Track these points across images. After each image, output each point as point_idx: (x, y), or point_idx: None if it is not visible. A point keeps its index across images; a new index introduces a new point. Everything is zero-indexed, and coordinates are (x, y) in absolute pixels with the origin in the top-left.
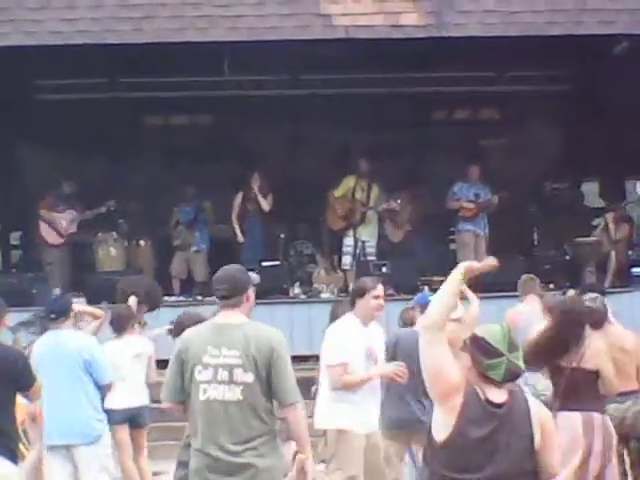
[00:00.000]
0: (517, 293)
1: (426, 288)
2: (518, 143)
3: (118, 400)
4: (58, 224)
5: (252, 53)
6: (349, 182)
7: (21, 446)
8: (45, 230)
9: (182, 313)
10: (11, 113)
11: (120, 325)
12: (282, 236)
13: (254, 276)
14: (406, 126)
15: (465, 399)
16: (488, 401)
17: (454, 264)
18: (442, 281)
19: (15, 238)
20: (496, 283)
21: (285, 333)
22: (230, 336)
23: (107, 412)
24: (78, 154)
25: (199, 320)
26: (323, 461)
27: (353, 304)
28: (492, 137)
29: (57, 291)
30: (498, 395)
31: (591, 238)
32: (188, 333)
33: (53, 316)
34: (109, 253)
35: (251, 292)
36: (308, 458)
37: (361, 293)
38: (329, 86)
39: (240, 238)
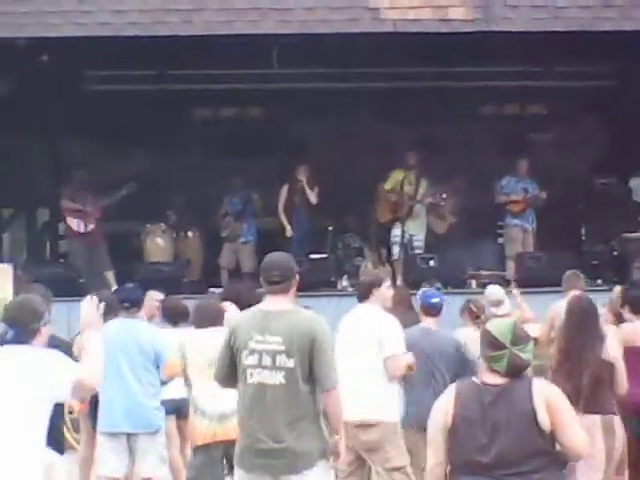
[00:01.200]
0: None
1: (473, 282)
2: (566, 138)
3: (165, 391)
4: (81, 210)
5: (301, 46)
6: (398, 175)
7: (68, 435)
8: (70, 221)
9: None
10: (59, 103)
11: (171, 316)
12: (330, 229)
13: None
14: (454, 120)
15: (457, 386)
16: (484, 382)
17: (502, 258)
18: (489, 275)
19: (63, 228)
20: (543, 278)
21: (332, 326)
22: (274, 323)
23: None
24: (125, 146)
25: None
26: None
27: (367, 295)
28: (540, 132)
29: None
30: (498, 380)
31: (639, 234)
32: (238, 318)
33: (127, 305)
34: (157, 244)
35: (296, 280)
36: (342, 439)
37: (378, 283)
38: (377, 79)
39: (288, 231)
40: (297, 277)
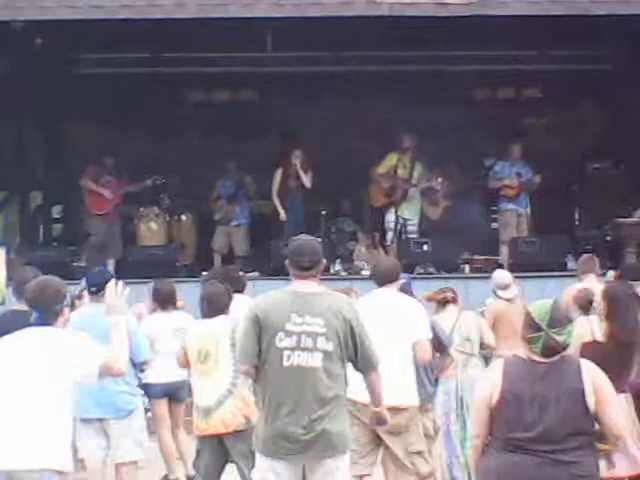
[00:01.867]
0: (558, 273)
1: (467, 267)
2: (560, 122)
3: (157, 374)
4: (102, 195)
5: (295, 29)
6: (391, 159)
7: None
8: (90, 201)
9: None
10: (53, 86)
11: (161, 300)
12: (323, 213)
13: None
14: (448, 104)
15: (505, 361)
16: (532, 360)
17: (496, 243)
18: (483, 260)
19: (57, 212)
20: (537, 263)
21: None
22: (313, 304)
23: (146, 386)
24: (119, 128)
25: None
26: None
27: (391, 280)
28: (534, 116)
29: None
30: (546, 359)
31: (633, 219)
32: (263, 300)
33: (93, 289)
34: (150, 228)
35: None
36: (384, 408)
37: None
38: (372, 63)
39: (282, 215)
40: (324, 261)
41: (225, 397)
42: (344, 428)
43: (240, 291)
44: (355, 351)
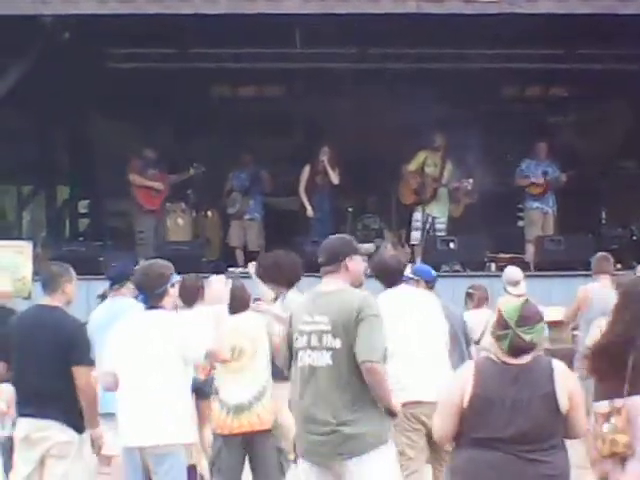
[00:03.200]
0: (583, 272)
1: (492, 265)
2: (587, 121)
3: None
4: (152, 188)
5: (324, 26)
6: (421, 157)
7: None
8: (140, 196)
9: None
10: (82, 80)
11: (187, 296)
12: (350, 210)
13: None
14: (475, 102)
15: (476, 363)
16: (504, 362)
17: (522, 241)
18: (509, 258)
19: (83, 206)
20: (563, 261)
21: None
22: (321, 303)
23: None
24: (145, 123)
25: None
26: None
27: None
28: (561, 115)
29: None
30: (516, 360)
31: None
32: (297, 303)
33: (110, 283)
34: (177, 223)
35: (351, 261)
36: (395, 402)
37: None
38: (399, 60)
39: (309, 212)
40: (351, 258)
41: (261, 394)
42: (366, 431)
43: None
44: (355, 342)
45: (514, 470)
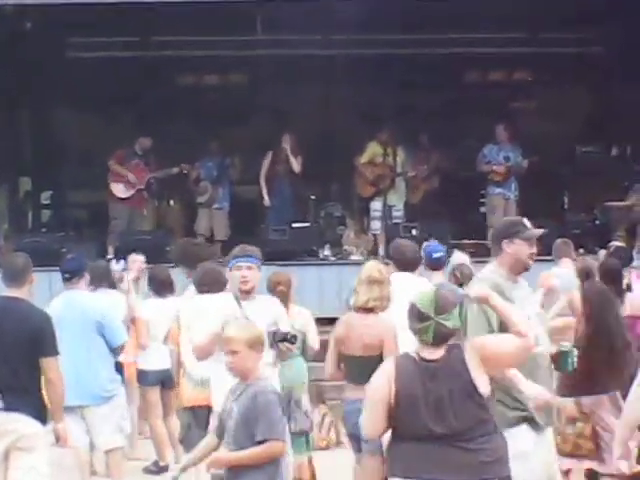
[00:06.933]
0: (547, 257)
1: (455, 251)
2: (550, 105)
3: (152, 361)
4: (125, 177)
5: (285, 12)
6: (373, 148)
7: None
8: (113, 183)
9: None
10: (42, 70)
11: (157, 286)
12: (312, 198)
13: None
14: (438, 88)
15: (396, 361)
16: (422, 358)
17: (484, 228)
18: (471, 244)
19: (46, 198)
20: None
21: (314, 295)
22: None
23: (141, 373)
24: (108, 113)
25: None
26: None
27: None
28: (524, 99)
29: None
30: (434, 353)
31: (621, 202)
32: None
33: (67, 276)
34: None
35: None
36: None
37: None
38: (361, 46)
39: (266, 201)
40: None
41: None
42: None
43: None
44: None
45: (450, 460)
